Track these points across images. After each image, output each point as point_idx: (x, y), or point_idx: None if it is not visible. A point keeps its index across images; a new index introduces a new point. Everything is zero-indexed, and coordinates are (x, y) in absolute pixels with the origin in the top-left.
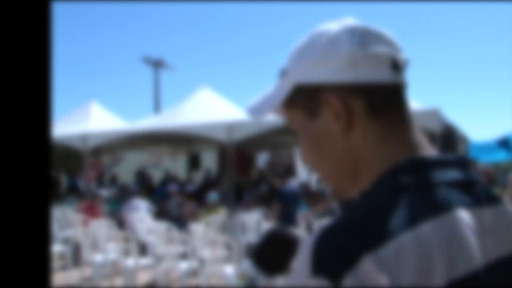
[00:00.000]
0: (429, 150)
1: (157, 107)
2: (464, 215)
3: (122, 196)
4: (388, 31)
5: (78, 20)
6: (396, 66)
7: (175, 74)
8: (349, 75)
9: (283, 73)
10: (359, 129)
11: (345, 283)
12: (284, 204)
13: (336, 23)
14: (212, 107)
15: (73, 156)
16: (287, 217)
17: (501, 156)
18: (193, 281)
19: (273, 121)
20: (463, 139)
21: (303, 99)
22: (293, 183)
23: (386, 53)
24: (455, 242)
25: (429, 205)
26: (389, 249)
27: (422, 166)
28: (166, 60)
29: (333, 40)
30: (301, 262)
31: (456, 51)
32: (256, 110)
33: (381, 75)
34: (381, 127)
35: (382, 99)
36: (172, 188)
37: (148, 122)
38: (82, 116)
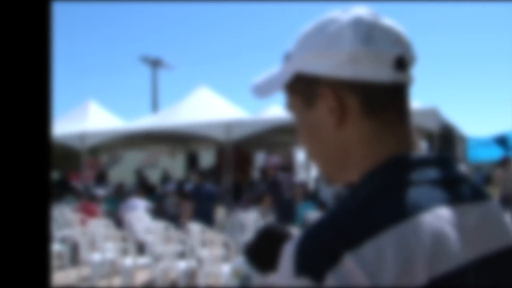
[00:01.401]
0: (419, 150)
1: (155, 106)
2: (444, 212)
3: (119, 194)
4: (398, 25)
5: (76, 19)
6: (401, 64)
7: (173, 73)
8: (348, 72)
9: (288, 57)
10: (352, 125)
11: (328, 282)
12: (199, 203)
13: (346, 12)
14: (210, 106)
15: (70, 155)
16: (203, 215)
17: (498, 153)
18: (191, 281)
19: (271, 120)
20: (461, 138)
21: (301, 87)
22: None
23: (390, 51)
24: (435, 240)
25: (409, 203)
26: (370, 247)
27: (406, 165)
28: (164, 59)
29: (337, 34)
30: (285, 261)
31: (455, 50)
32: (259, 90)
33: (382, 74)
34: (375, 125)
35: (379, 98)
36: (169, 187)
37: (146, 121)
38: (79, 115)
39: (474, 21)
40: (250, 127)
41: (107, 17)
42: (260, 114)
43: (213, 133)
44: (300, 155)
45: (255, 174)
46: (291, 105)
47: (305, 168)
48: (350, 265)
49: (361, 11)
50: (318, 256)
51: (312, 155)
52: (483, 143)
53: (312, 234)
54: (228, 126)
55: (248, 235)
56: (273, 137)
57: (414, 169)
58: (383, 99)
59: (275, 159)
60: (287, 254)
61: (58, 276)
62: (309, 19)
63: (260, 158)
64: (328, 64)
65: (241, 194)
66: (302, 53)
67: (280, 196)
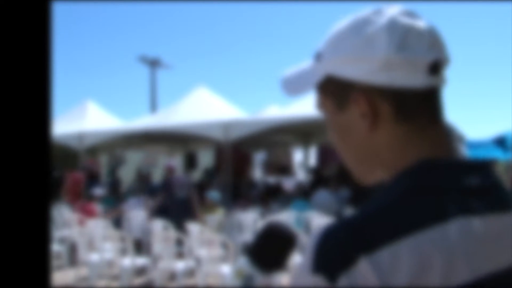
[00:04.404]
0: (453, 154)
1: (153, 106)
2: (472, 223)
3: (115, 193)
4: (433, 27)
5: (74, 19)
6: (435, 68)
7: (171, 73)
8: (381, 78)
9: (318, 57)
10: (383, 130)
11: (340, 283)
12: (171, 194)
13: (381, 13)
14: (208, 106)
15: (69, 155)
16: (179, 205)
17: (496, 155)
18: (190, 281)
19: (270, 120)
20: (460, 139)
21: (333, 90)
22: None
23: (425, 56)
24: (455, 251)
25: (435, 211)
26: (386, 253)
27: (435, 169)
28: (162, 59)
29: (372, 39)
30: (306, 257)
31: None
32: (290, 86)
33: (415, 80)
34: (407, 129)
35: (412, 104)
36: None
37: (145, 121)
38: (78, 115)
39: (473, 21)
40: (248, 127)
41: (105, 17)
42: (259, 114)
43: (211, 133)
44: (298, 155)
45: (256, 173)
46: (322, 105)
47: (303, 167)
48: (364, 269)
49: (396, 11)
50: (334, 256)
51: (343, 154)
52: (482, 144)
53: (333, 233)
54: (227, 126)
55: (246, 235)
56: (272, 137)
57: (444, 174)
58: (416, 104)
59: (173, 161)
60: (309, 248)
61: (57, 277)
62: (309, 20)
63: (258, 158)
64: (361, 70)
65: (240, 194)
66: (335, 55)
67: (173, 195)
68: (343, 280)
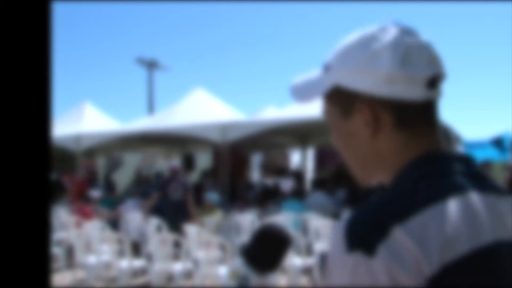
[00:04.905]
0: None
1: (151, 108)
2: (477, 197)
3: (111, 195)
4: (431, 44)
5: (71, 21)
6: (433, 83)
7: (169, 75)
8: (384, 91)
9: (327, 68)
10: (385, 137)
11: (380, 253)
12: (166, 195)
13: (387, 30)
14: (206, 108)
15: (66, 157)
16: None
17: (493, 155)
18: (188, 283)
19: (267, 122)
20: (457, 139)
21: (339, 99)
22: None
23: (424, 72)
24: (475, 217)
25: (448, 187)
26: (416, 220)
27: (438, 159)
28: (160, 61)
29: (377, 54)
30: (335, 244)
31: (453, 51)
32: (298, 93)
33: (415, 93)
34: (407, 136)
35: (411, 114)
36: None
37: (142, 123)
38: (75, 117)
39: (472, 21)
40: (246, 129)
41: (102, 19)
42: (256, 115)
43: (209, 134)
44: (295, 157)
45: (253, 175)
46: (328, 112)
47: (300, 169)
48: (399, 236)
49: (399, 29)
50: (369, 231)
51: (347, 159)
52: (479, 144)
53: (362, 214)
54: (224, 127)
55: (244, 237)
56: (269, 138)
57: (445, 163)
58: (415, 114)
59: (175, 163)
60: (337, 237)
61: (54, 279)
62: (308, 22)
63: (256, 160)
64: (366, 82)
65: (237, 196)
66: (342, 67)
67: (168, 196)
68: (382, 251)
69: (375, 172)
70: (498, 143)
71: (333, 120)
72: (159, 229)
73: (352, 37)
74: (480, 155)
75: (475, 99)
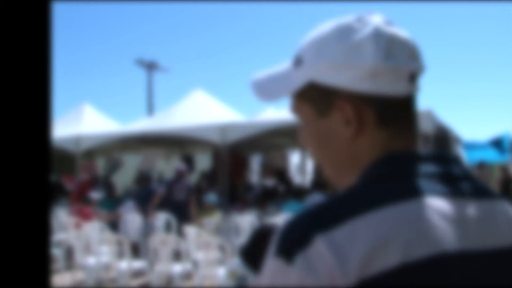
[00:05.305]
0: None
1: (150, 109)
2: (437, 202)
3: (110, 196)
4: (409, 36)
5: (71, 21)
6: (414, 76)
7: (168, 76)
8: (367, 86)
9: (298, 62)
10: (366, 136)
11: (296, 262)
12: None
13: (364, 22)
14: (205, 109)
15: (65, 159)
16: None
17: (492, 156)
18: (187, 284)
19: (267, 123)
20: (456, 140)
21: (314, 96)
22: None
23: (407, 65)
24: (416, 226)
25: (393, 192)
26: (342, 230)
27: (399, 160)
28: (159, 62)
29: (358, 47)
30: (271, 245)
31: (452, 51)
32: (263, 91)
33: (398, 88)
34: (387, 134)
35: (393, 110)
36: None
37: (142, 124)
38: (75, 118)
39: (471, 22)
40: (245, 130)
41: (101, 20)
42: (256, 116)
43: (208, 136)
44: (295, 158)
45: (252, 176)
46: (297, 109)
47: (300, 170)
48: (319, 246)
49: (378, 20)
50: (294, 237)
51: (320, 161)
52: (479, 145)
53: (295, 219)
54: (224, 129)
55: (243, 238)
56: (269, 139)
57: (409, 164)
58: (397, 110)
59: (181, 165)
60: (275, 236)
61: (53, 280)
62: (307, 22)
63: (255, 161)
64: (346, 77)
65: (237, 197)
66: (317, 61)
67: (172, 197)
68: (299, 260)
69: (352, 174)
70: (497, 144)
71: (305, 119)
72: (168, 225)
73: (325, 28)
74: (479, 156)
75: (475, 100)
